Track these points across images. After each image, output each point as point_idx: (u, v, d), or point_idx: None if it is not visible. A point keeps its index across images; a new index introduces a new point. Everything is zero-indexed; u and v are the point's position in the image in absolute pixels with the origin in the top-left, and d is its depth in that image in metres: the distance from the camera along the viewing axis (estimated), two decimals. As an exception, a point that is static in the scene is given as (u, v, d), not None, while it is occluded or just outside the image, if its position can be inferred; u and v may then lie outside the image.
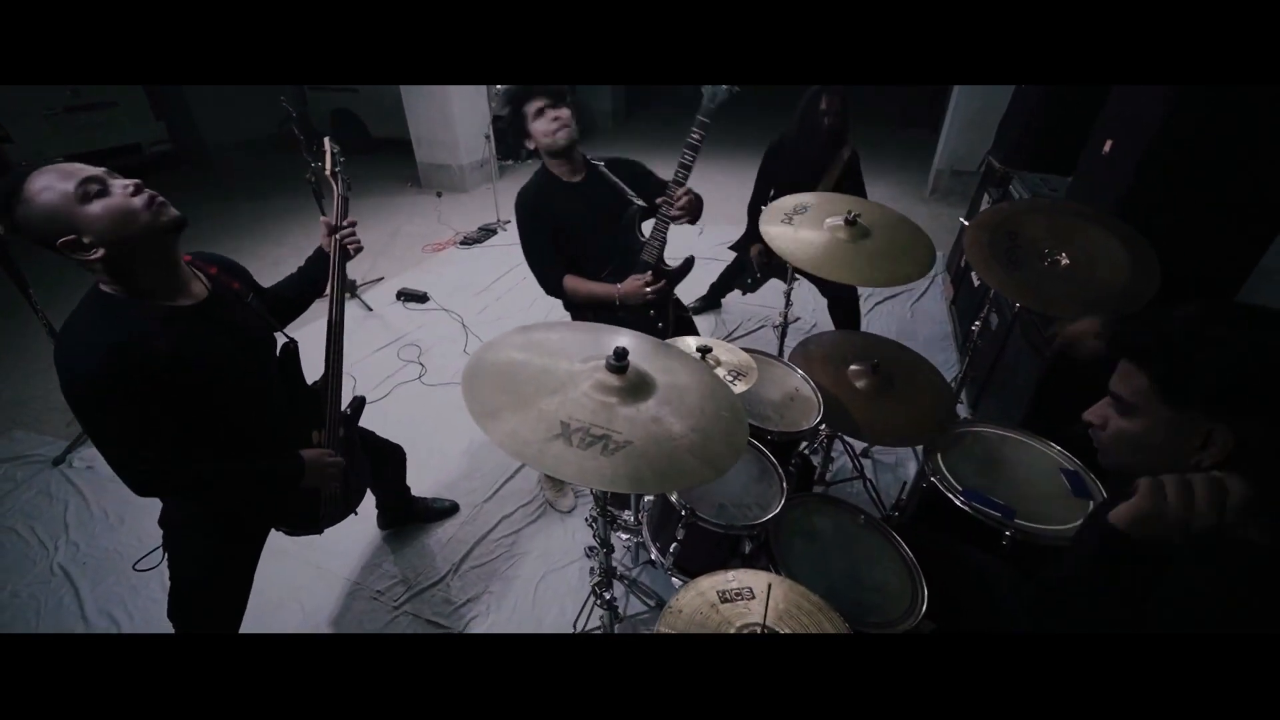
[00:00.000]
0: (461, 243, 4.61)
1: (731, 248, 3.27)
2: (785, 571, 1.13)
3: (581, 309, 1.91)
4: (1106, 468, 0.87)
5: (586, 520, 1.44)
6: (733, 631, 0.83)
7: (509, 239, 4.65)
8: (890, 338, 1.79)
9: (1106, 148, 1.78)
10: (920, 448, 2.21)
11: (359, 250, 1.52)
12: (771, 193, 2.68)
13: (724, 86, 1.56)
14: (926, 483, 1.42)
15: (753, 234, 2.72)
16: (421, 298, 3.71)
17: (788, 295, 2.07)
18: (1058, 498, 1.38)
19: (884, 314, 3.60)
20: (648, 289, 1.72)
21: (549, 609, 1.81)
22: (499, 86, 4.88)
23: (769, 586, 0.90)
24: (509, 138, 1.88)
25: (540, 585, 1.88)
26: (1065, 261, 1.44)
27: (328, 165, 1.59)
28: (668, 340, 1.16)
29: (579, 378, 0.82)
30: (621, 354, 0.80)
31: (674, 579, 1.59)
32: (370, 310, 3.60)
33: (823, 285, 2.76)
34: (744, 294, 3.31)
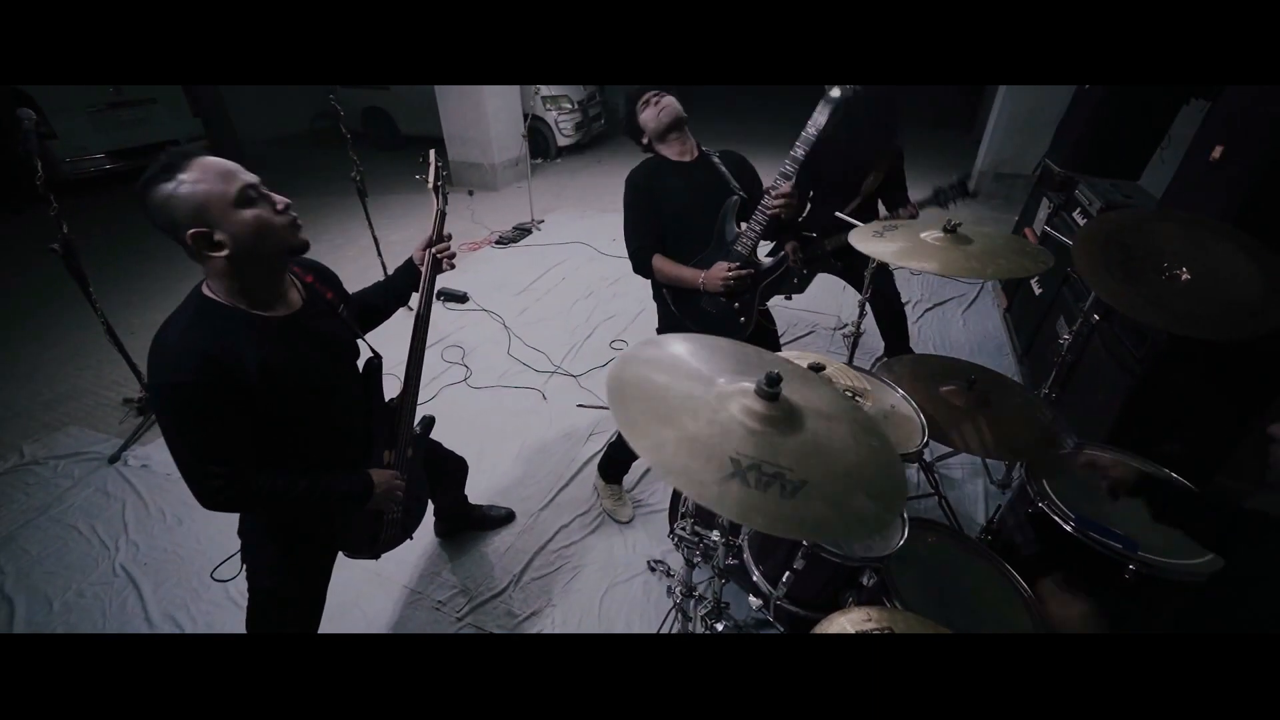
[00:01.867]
0: (497, 242, 4.58)
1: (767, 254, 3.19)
2: (901, 604, 1.06)
3: (666, 291, 1.88)
4: None
5: (672, 539, 1.39)
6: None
7: (545, 238, 4.62)
8: (940, 347, 1.72)
9: (1216, 154, 1.68)
10: (1012, 466, 2.15)
11: (452, 267, 1.48)
12: (811, 193, 2.60)
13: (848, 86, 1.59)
14: (1033, 508, 1.34)
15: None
16: (462, 298, 3.68)
17: (862, 305, 1.98)
18: (1176, 529, 1.29)
19: (933, 321, 3.50)
20: (727, 274, 1.68)
21: (615, 623, 1.75)
22: (537, 86, 4.85)
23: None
24: (629, 134, 1.88)
25: (605, 599, 1.83)
26: (1186, 276, 1.35)
27: (430, 179, 1.55)
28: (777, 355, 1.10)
29: (725, 401, 0.76)
30: (775, 379, 0.74)
31: (751, 599, 1.54)
32: (411, 310, 3.57)
33: (871, 294, 2.67)
34: (789, 298, 3.22)
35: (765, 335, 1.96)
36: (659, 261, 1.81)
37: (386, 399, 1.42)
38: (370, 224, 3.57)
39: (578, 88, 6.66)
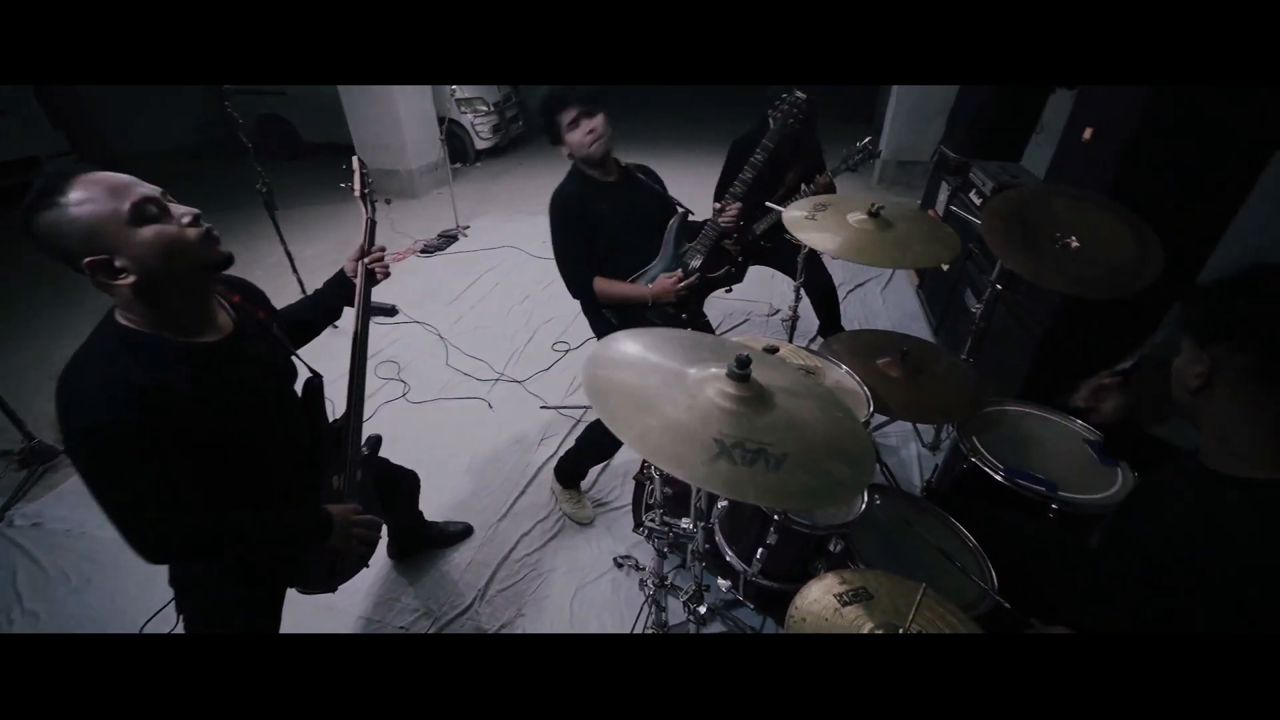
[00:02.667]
0: (422, 251, 4.41)
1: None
2: (865, 564, 1.13)
3: (607, 310, 1.86)
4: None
5: (640, 532, 1.40)
6: (867, 633, 0.82)
7: (473, 244, 4.49)
8: (866, 324, 1.85)
9: (1087, 135, 1.89)
10: (940, 429, 2.32)
11: (386, 276, 1.42)
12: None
13: (796, 112, 1.74)
14: (967, 464, 1.46)
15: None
16: (390, 311, 3.51)
17: (797, 290, 2.08)
18: (1087, 468, 1.46)
19: (857, 301, 3.72)
20: (678, 285, 1.71)
21: (588, 624, 1.75)
22: (452, 87, 4.70)
23: (884, 585, 0.89)
24: (550, 139, 1.79)
25: (574, 602, 1.81)
26: (1075, 244, 1.52)
27: (357, 187, 1.47)
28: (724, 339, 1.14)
29: (700, 387, 0.78)
30: (745, 362, 0.77)
31: (720, 581, 1.59)
32: (336, 327, 3.37)
33: (805, 279, 2.80)
34: (729, 290, 3.31)
35: (701, 329, 2.02)
36: (601, 284, 1.80)
37: (330, 420, 1.34)
38: (282, 239, 3.33)
39: (492, 89, 6.51)
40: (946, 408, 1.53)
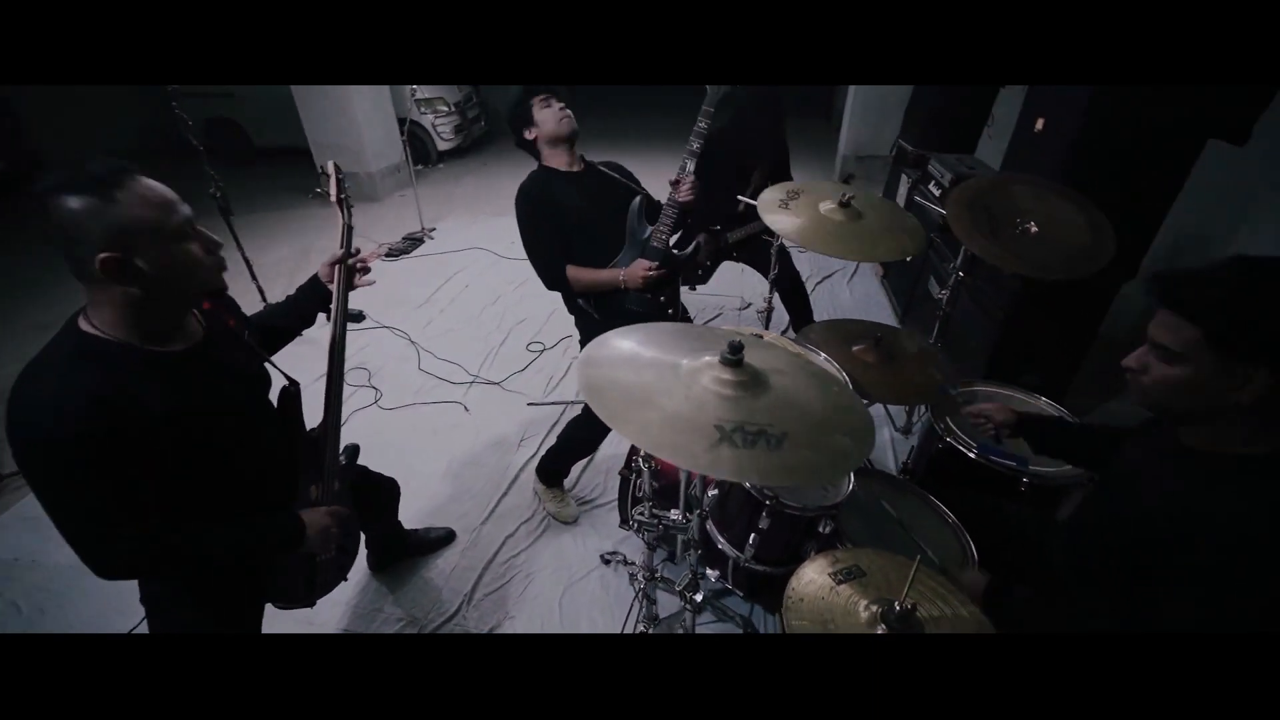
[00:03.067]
0: (387, 255, 4.30)
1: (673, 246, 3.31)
2: (853, 544, 1.17)
3: (585, 298, 1.87)
4: (1144, 408, 0.98)
5: (630, 527, 1.40)
6: (863, 609, 0.85)
7: (439, 247, 4.41)
8: (834, 315, 1.91)
9: (1039, 125, 1.98)
10: (911, 413, 2.39)
11: (370, 282, 1.39)
12: (707, 187, 2.74)
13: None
14: (942, 444, 1.52)
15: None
16: (357, 317, 3.42)
17: (771, 284, 2.11)
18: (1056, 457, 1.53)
19: (825, 293, 3.80)
20: (648, 271, 1.73)
21: (578, 623, 1.74)
22: (412, 87, 4.60)
23: (871, 560, 0.92)
24: (514, 130, 1.81)
25: (563, 601, 1.81)
26: (1035, 230, 1.59)
27: (333, 192, 1.44)
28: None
29: (694, 377, 0.79)
30: (738, 347, 0.78)
31: (709, 571, 1.61)
32: (302, 335, 3.27)
33: (766, 266, 2.84)
34: (693, 288, 3.34)
35: (680, 313, 2.04)
36: (573, 272, 1.80)
37: (308, 429, 1.30)
38: (240, 245, 3.21)
39: (453, 89, 6.40)
40: (920, 390, 1.59)
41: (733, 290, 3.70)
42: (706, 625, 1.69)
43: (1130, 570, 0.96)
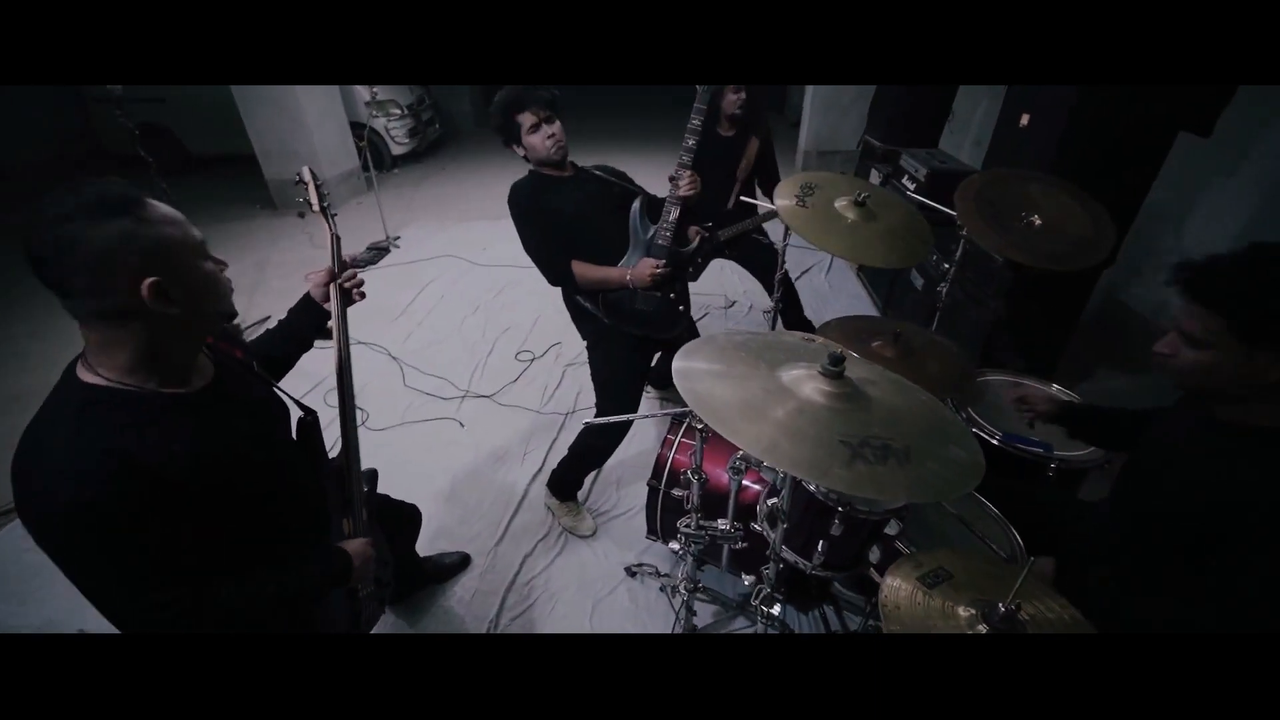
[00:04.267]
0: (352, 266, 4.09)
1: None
2: (915, 546, 1.17)
3: (592, 301, 1.84)
4: (1179, 388, 1.02)
5: (679, 548, 1.38)
6: (962, 611, 0.84)
7: (407, 256, 4.23)
8: (818, 309, 1.93)
9: (1024, 121, 2.06)
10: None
11: (363, 296, 1.30)
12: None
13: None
14: (968, 434, 1.55)
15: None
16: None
17: (780, 281, 2.10)
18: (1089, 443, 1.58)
19: (804, 286, 3.85)
20: (656, 270, 1.73)
21: (612, 641, 1.69)
22: (370, 88, 4.39)
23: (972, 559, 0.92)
24: (503, 140, 1.76)
25: (594, 618, 1.76)
26: (1039, 222, 1.65)
27: (315, 200, 1.33)
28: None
29: (796, 387, 0.77)
30: (839, 359, 0.76)
31: (744, 576, 1.59)
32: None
33: (756, 263, 2.86)
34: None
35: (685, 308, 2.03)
36: (579, 268, 1.78)
37: (330, 458, 1.22)
38: (195, 263, 2.97)
39: (405, 91, 6.17)
40: (942, 382, 1.61)
41: (715, 289, 3.70)
42: (743, 631, 1.68)
43: (1179, 546, 1.00)
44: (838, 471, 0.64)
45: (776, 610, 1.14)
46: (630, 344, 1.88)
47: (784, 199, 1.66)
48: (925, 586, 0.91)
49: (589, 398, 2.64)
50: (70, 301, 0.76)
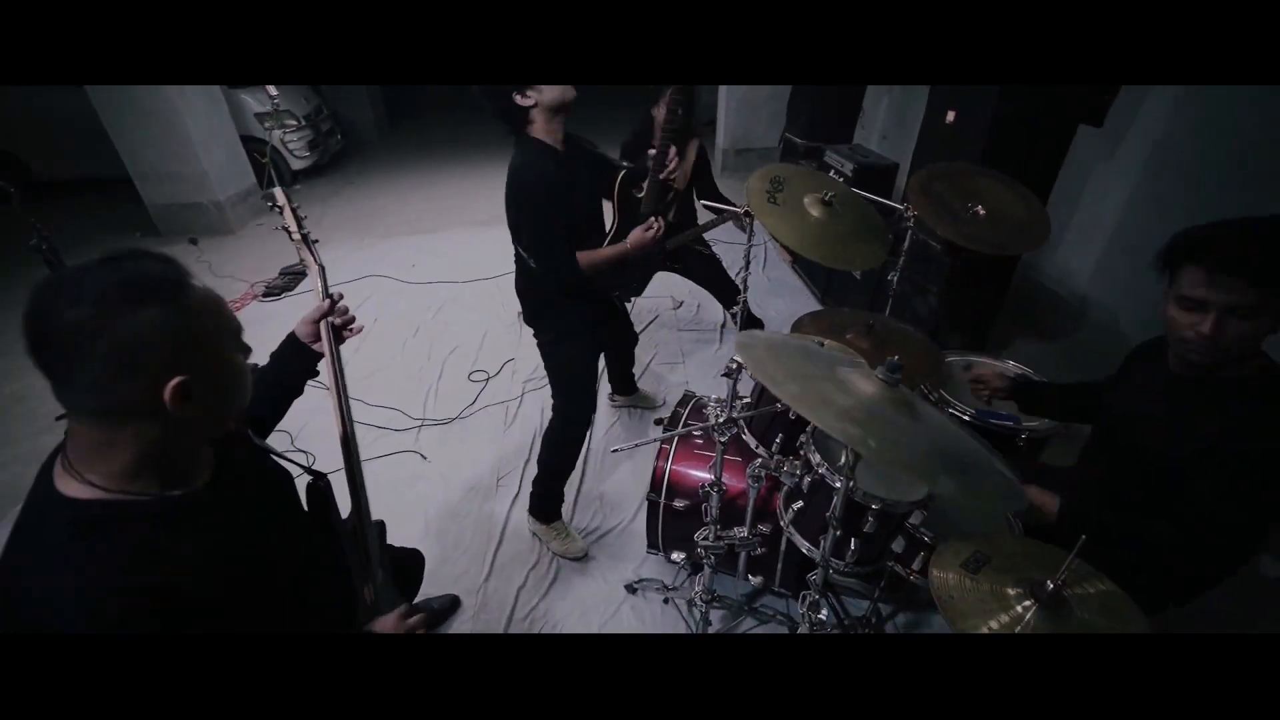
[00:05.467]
0: (265, 294, 3.73)
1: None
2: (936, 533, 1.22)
3: (591, 282, 1.73)
4: (1213, 364, 1.03)
5: (699, 553, 1.36)
6: (1011, 591, 0.89)
7: (329, 278, 3.90)
8: (762, 304, 1.98)
9: (950, 117, 2.22)
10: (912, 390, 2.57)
11: (354, 333, 1.17)
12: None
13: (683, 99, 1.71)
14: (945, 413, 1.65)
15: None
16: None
17: (744, 282, 2.13)
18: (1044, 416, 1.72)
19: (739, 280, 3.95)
20: (657, 234, 1.69)
21: (625, 663, 1.65)
22: (271, 89, 3.98)
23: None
24: (501, 93, 1.47)
25: (603, 643, 1.70)
26: (982, 212, 1.78)
27: (293, 226, 1.18)
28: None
29: (846, 389, 0.77)
30: (897, 366, 0.77)
31: (750, 578, 1.61)
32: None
33: (700, 273, 2.86)
34: (629, 301, 3.25)
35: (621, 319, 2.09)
36: (584, 257, 1.64)
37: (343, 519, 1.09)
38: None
39: (300, 101, 5.70)
40: (918, 369, 1.70)
41: (663, 292, 3.71)
42: (752, 631, 1.69)
43: (1162, 494, 1.11)
44: (944, 478, 0.64)
45: (824, 615, 1.15)
46: (590, 340, 1.84)
47: (755, 196, 1.68)
48: (970, 572, 0.95)
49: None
50: (67, 391, 0.61)
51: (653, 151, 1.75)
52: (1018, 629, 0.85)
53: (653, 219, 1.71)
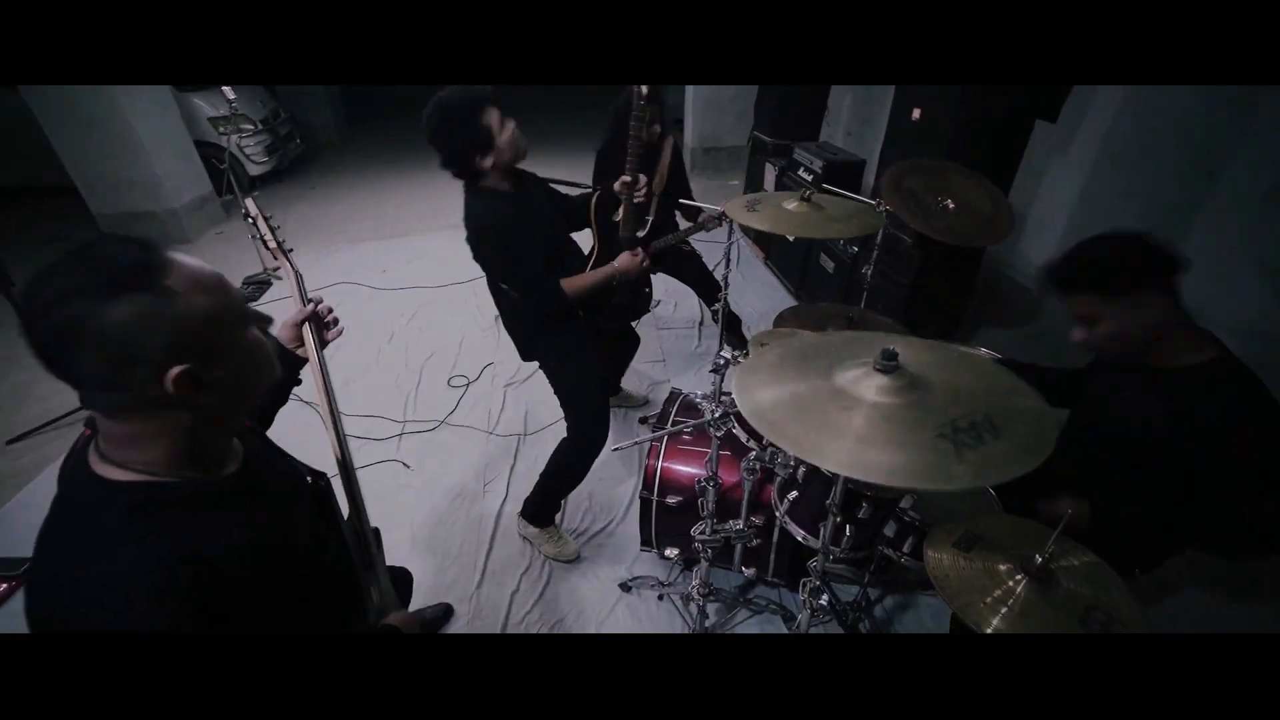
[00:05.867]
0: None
1: None
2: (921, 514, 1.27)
3: (570, 317, 1.76)
4: (1107, 359, 1.23)
5: (697, 547, 1.37)
6: (1002, 568, 0.93)
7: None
8: (739, 301, 2.00)
9: (916, 115, 2.29)
10: None
11: (340, 333, 1.15)
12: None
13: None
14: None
15: None
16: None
17: (725, 279, 2.16)
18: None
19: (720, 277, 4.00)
20: (643, 260, 1.73)
21: (623, 661, 1.66)
22: (228, 92, 3.82)
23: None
24: (460, 156, 1.51)
25: (600, 643, 1.70)
26: (951, 206, 1.85)
27: (269, 236, 1.15)
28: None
29: (857, 391, 0.80)
30: (892, 354, 0.80)
31: (745, 570, 1.64)
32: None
33: (682, 271, 2.90)
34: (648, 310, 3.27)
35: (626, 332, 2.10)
36: (568, 283, 1.68)
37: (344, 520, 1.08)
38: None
39: (256, 104, 5.51)
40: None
41: (639, 290, 3.72)
42: (747, 622, 1.72)
43: (1133, 478, 1.19)
44: (957, 469, 0.66)
45: (824, 600, 1.18)
46: (593, 354, 1.84)
47: (736, 211, 1.72)
48: (963, 551, 1.00)
49: (538, 415, 2.56)
50: (85, 392, 0.59)
51: (626, 179, 1.74)
52: (1010, 601, 0.89)
53: (639, 249, 1.74)
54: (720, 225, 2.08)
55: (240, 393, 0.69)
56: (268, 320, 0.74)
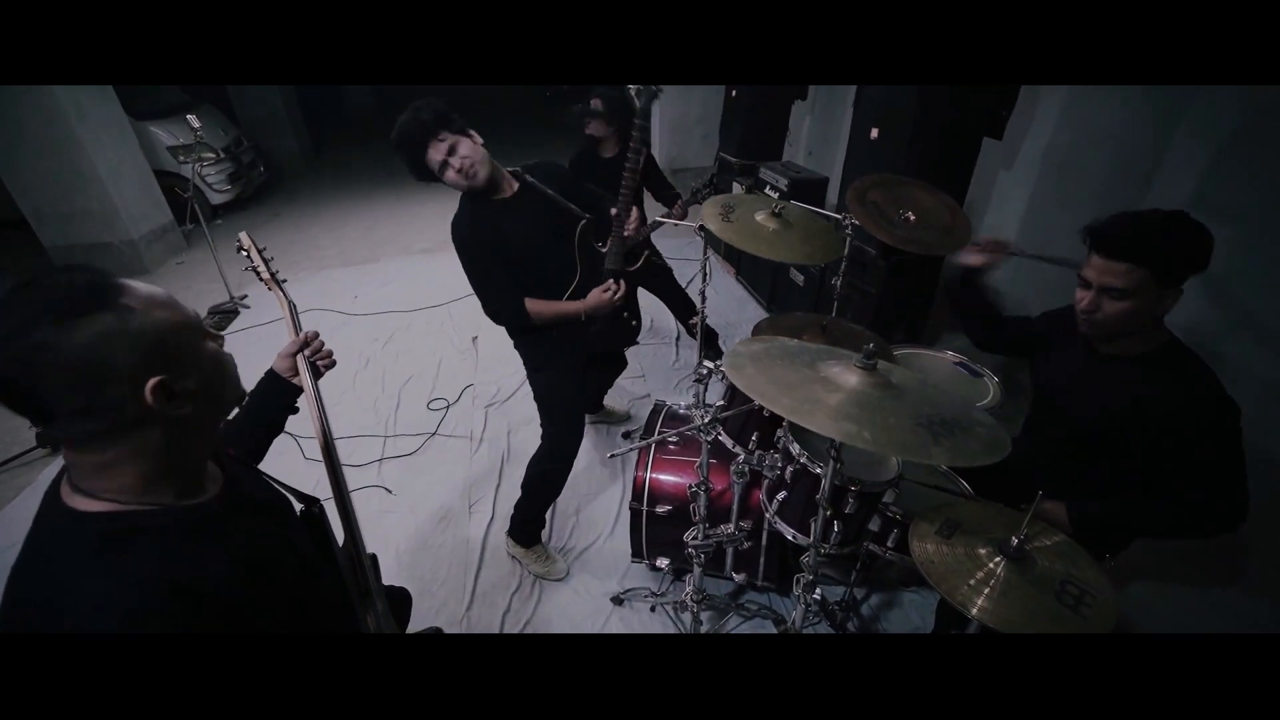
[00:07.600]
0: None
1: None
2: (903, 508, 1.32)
3: (545, 330, 1.76)
4: (1098, 336, 1.21)
5: (690, 553, 1.40)
6: (982, 551, 0.99)
7: (262, 316, 3.73)
8: (714, 315, 2.07)
9: (874, 134, 2.43)
10: None
11: (331, 366, 1.16)
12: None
13: (652, 87, 1.65)
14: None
15: None
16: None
17: (702, 294, 2.22)
18: (964, 383, 1.89)
19: (692, 293, 4.09)
20: (615, 298, 1.71)
21: (619, 675, 1.66)
22: (193, 121, 3.75)
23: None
24: (425, 179, 1.55)
25: (595, 658, 1.70)
26: (913, 218, 1.95)
27: (262, 268, 1.16)
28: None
29: (838, 379, 0.85)
30: (872, 353, 0.86)
31: (735, 575, 1.67)
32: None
33: (654, 285, 2.96)
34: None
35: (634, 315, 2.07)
36: (534, 305, 1.69)
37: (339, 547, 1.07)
38: None
39: (218, 132, 5.44)
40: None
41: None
42: (739, 628, 1.74)
43: (1099, 466, 1.26)
44: (935, 450, 0.72)
45: (818, 594, 1.21)
46: (568, 369, 1.85)
47: (710, 219, 1.78)
48: (944, 538, 1.05)
49: (521, 435, 2.56)
50: (55, 426, 0.59)
51: (614, 211, 1.74)
52: (992, 582, 0.95)
53: (611, 282, 1.73)
54: (685, 217, 2.10)
55: (211, 403, 0.70)
56: (220, 337, 0.75)
